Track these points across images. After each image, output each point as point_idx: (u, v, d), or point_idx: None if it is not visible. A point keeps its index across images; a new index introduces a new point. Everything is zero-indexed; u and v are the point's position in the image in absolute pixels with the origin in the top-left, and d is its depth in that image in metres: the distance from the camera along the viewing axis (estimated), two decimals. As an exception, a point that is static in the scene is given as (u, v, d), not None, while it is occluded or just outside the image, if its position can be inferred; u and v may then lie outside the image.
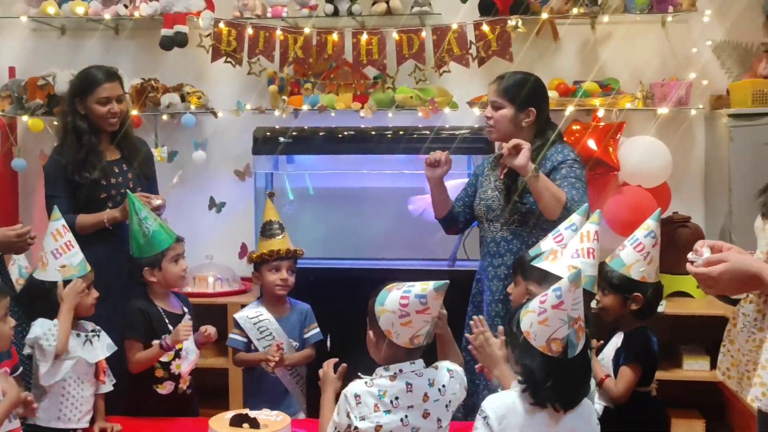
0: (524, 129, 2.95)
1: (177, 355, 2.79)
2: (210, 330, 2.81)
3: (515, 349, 1.96)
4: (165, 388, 2.81)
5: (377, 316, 2.02)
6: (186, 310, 2.95)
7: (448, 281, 1.97)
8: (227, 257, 4.34)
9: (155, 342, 2.76)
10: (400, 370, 2.02)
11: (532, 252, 2.39)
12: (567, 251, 2.26)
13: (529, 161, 2.72)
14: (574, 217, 2.44)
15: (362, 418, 1.99)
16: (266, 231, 3.11)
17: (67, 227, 2.73)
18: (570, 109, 3.97)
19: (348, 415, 2.01)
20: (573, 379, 1.92)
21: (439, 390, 2.05)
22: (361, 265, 3.91)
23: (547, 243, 2.42)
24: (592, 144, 3.86)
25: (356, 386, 2.04)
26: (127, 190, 3.07)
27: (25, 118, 4.26)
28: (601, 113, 3.98)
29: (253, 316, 3.04)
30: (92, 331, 2.69)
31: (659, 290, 2.59)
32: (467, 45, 4.02)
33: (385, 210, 4.13)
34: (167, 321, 2.85)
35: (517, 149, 2.75)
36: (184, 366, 2.80)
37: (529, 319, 1.91)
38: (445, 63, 4.05)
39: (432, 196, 3.19)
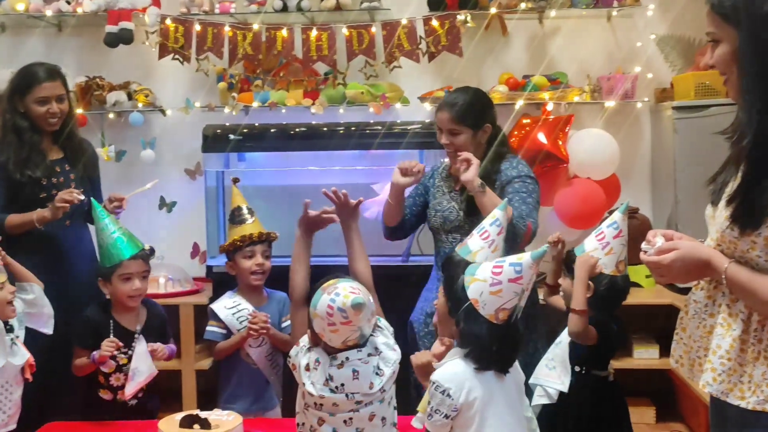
0: (482, 144, 2.96)
1: (119, 369, 2.74)
2: (159, 348, 2.76)
3: (459, 315, 1.99)
4: (106, 394, 2.76)
5: (311, 317, 2.02)
6: (138, 329, 2.82)
7: (363, 301, 1.93)
8: (179, 257, 4.28)
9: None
10: (347, 358, 2.01)
11: (458, 250, 2.36)
12: (482, 256, 2.27)
13: (475, 177, 2.75)
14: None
15: (312, 384, 2.00)
16: (236, 217, 3.03)
17: None
18: (520, 103, 4.01)
19: (306, 368, 2.02)
20: (513, 343, 2.01)
21: (377, 374, 2.03)
22: (314, 263, 3.87)
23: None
24: (541, 137, 3.90)
25: (318, 352, 2.03)
26: (92, 198, 2.98)
27: (-36, 118, 4.13)
28: (550, 107, 4.03)
29: (231, 306, 2.96)
30: (9, 331, 2.61)
31: (616, 284, 2.57)
32: (417, 40, 4.02)
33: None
34: (112, 335, 2.76)
35: (467, 163, 2.77)
36: (129, 387, 2.71)
37: (478, 288, 1.96)
38: (395, 58, 4.05)
39: (390, 202, 3.08)
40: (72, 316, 3.22)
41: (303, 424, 2.10)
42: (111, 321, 2.80)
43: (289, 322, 2.98)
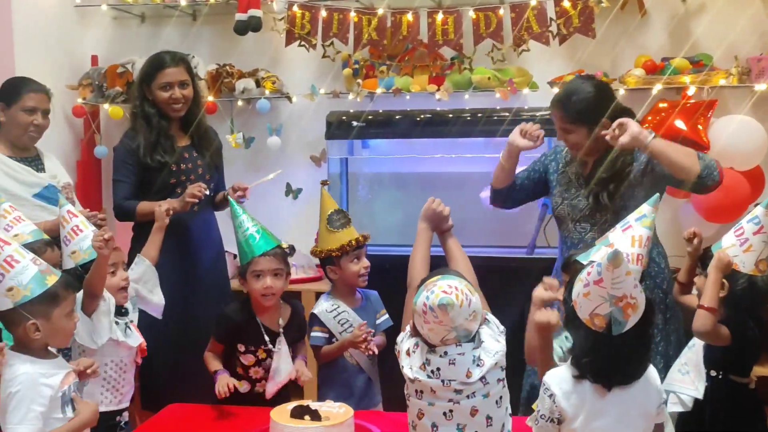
0: (601, 137, 2.77)
1: (259, 363, 2.75)
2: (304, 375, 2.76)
3: (568, 322, 1.93)
4: (242, 386, 2.77)
5: (413, 312, 1.99)
6: (281, 328, 2.79)
7: (450, 302, 1.88)
8: (303, 243, 4.29)
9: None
10: (445, 352, 1.96)
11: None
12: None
13: (641, 130, 2.60)
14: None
15: (410, 367, 1.99)
16: (336, 222, 2.92)
17: (75, 212, 2.68)
18: (657, 87, 3.75)
19: (407, 353, 2.02)
20: (618, 358, 1.86)
21: (477, 364, 1.96)
22: (435, 253, 3.80)
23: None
24: (680, 124, 3.63)
25: (420, 339, 2.01)
26: (229, 197, 3.01)
27: (105, 105, 4.32)
28: (691, 91, 3.74)
29: (331, 309, 2.90)
30: (124, 314, 2.70)
31: (755, 285, 2.35)
32: (547, 22, 3.84)
33: (461, 196, 3.99)
34: (264, 333, 2.76)
35: (621, 128, 2.61)
36: (270, 387, 2.74)
37: (577, 289, 1.87)
38: (524, 41, 3.89)
39: (502, 164, 3.00)
40: (196, 300, 3.31)
41: (411, 422, 2.05)
42: (252, 320, 2.78)
43: (383, 318, 2.96)
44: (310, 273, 4.11)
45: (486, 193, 3.74)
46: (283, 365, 2.75)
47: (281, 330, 2.79)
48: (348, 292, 2.95)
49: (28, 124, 3.22)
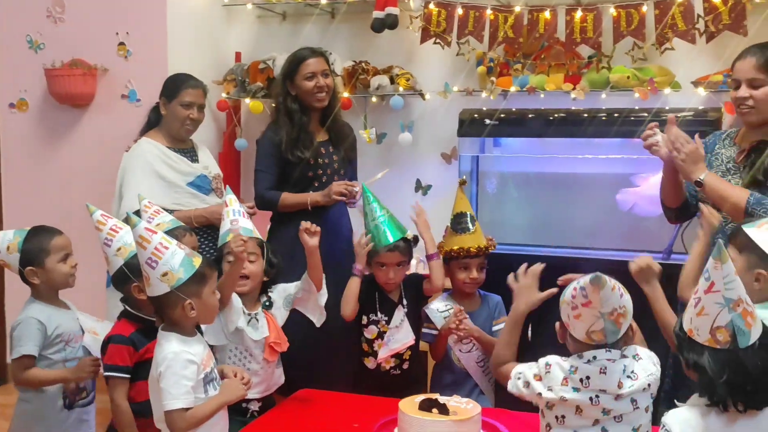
0: None
1: (381, 336, 2.85)
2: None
3: (685, 354, 1.79)
4: (369, 362, 2.86)
5: (560, 305, 1.98)
6: (399, 298, 2.95)
7: (599, 275, 1.85)
8: (431, 240, 4.33)
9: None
10: (594, 357, 1.94)
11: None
12: None
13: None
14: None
15: (549, 389, 1.96)
16: (456, 224, 3.01)
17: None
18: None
19: (536, 378, 2.00)
20: (751, 374, 1.70)
21: (629, 377, 1.92)
22: (566, 254, 3.73)
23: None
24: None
25: (550, 357, 2.01)
26: (363, 184, 3.12)
27: (247, 100, 4.49)
28: None
29: (443, 309, 2.97)
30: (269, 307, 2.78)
31: None
32: (694, 19, 3.69)
33: (595, 197, 3.93)
34: (378, 305, 2.93)
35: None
36: (381, 352, 2.85)
37: (688, 316, 1.76)
38: (667, 39, 3.75)
39: (665, 181, 2.78)
40: (330, 288, 3.38)
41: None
42: (376, 292, 2.94)
43: (501, 325, 2.91)
44: (437, 269, 4.12)
45: (622, 196, 3.65)
46: (398, 333, 2.86)
47: (400, 301, 2.93)
48: (463, 295, 2.97)
49: (185, 117, 3.44)
